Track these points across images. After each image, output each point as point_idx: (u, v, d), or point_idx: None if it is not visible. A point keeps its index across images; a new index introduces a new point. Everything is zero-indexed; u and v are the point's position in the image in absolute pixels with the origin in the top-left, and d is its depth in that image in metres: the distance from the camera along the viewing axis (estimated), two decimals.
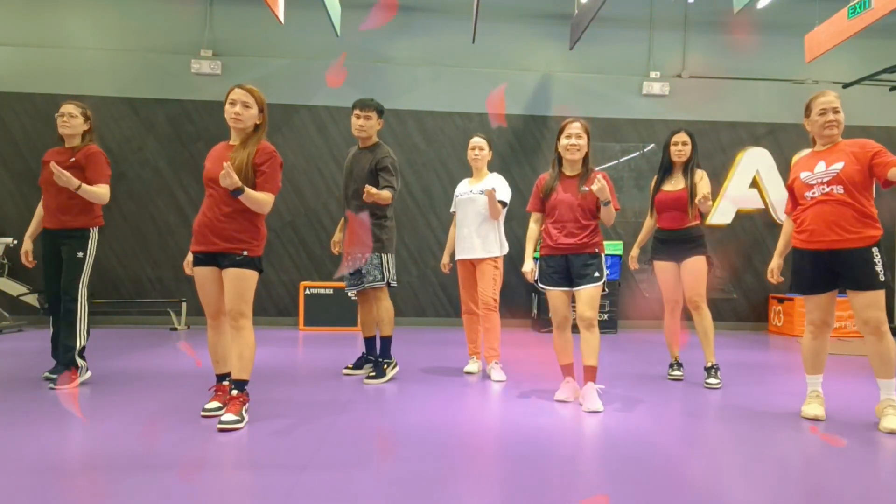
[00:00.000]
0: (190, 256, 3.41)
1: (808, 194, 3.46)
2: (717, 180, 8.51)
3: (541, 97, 8.51)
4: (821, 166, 3.44)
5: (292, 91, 8.13)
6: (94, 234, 4.22)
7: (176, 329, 7.29)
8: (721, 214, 8.53)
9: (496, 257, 4.64)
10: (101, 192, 4.13)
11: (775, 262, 3.81)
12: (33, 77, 7.88)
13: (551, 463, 2.66)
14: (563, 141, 3.83)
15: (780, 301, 8.33)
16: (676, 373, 4.65)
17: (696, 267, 4.48)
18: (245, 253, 3.25)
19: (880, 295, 3.31)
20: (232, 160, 3.23)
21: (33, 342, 6.03)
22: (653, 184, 4.72)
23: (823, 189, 3.39)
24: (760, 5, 7.60)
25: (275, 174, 3.31)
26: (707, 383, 4.41)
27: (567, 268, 3.82)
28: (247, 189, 3.17)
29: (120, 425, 3.10)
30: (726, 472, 2.59)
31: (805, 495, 2.33)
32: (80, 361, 4.12)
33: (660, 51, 8.64)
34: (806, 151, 3.71)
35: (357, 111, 4.41)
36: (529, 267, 3.95)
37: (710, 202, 4.32)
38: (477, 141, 4.80)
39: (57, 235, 4.16)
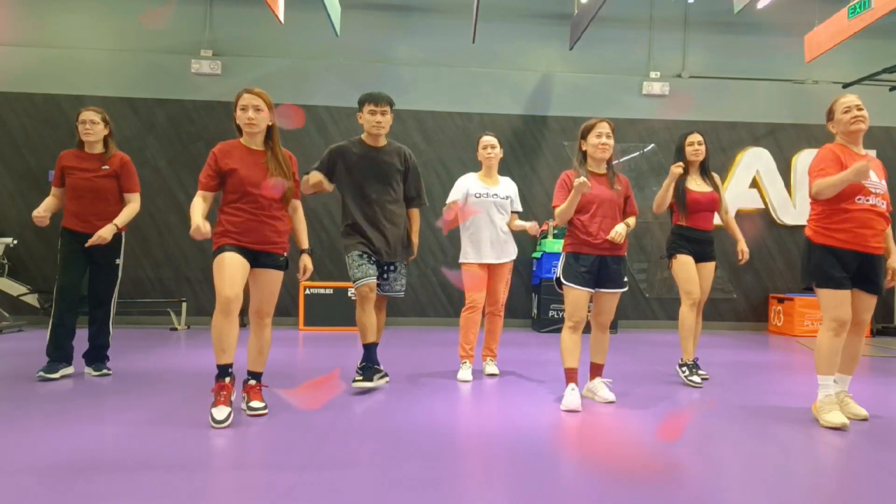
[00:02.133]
0: (205, 227, 3.17)
1: (863, 199, 3.44)
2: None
3: (540, 97, 8.51)
4: (874, 176, 3.50)
5: (292, 91, 8.13)
6: (124, 239, 4.49)
7: (176, 329, 7.29)
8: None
9: (513, 260, 4.75)
10: (136, 206, 4.43)
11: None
12: (33, 77, 7.88)
13: (552, 464, 2.66)
14: (594, 140, 3.83)
15: (780, 301, 8.33)
16: (696, 378, 4.46)
17: (711, 271, 4.65)
18: (285, 255, 3.48)
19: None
20: (272, 169, 3.37)
21: (33, 342, 6.03)
22: (671, 186, 4.51)
23: (877, 201, 3.47)
24: (760, 5, 7.60)
25: (296, 180, 3.57)
26: (691, 380, 4.44)
27: (599, 269, 3.80)
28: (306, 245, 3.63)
29: (120, 425, 3.10)
30: (727, 471, 2.59)
31: (805, 494, 2.33)
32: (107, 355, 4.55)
33: (660, 51, 8.64)
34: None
35: (372, 106, 4.10)
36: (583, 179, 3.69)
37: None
38: (490, 139, 4.72)
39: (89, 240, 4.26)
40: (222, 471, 2.47)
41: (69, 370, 4.36)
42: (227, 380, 3.25)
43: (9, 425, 3.06)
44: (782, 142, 8.62)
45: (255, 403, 3.38)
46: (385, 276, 4.23)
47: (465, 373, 4.54)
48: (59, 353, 4.29)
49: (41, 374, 4.19)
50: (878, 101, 8.57)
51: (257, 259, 3.37)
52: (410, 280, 8.19)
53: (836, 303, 3.41)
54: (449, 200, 4.78)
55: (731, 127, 8.64)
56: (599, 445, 2.94)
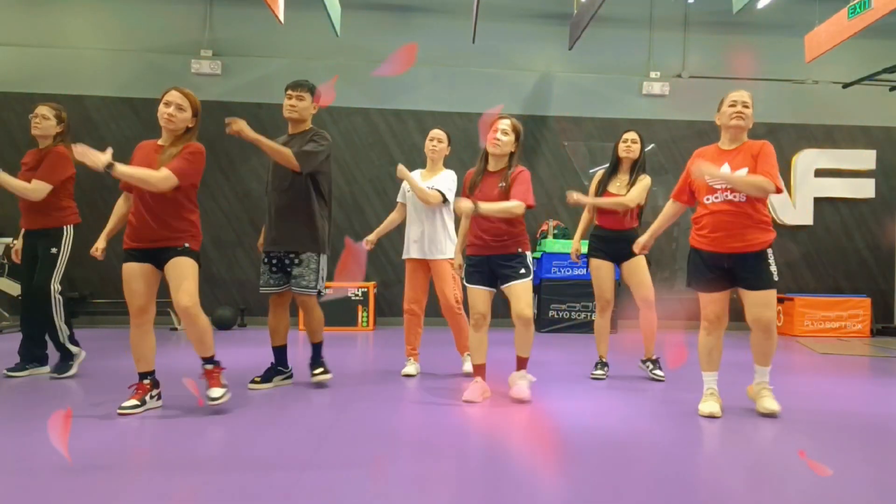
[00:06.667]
0: (101, 243, 3.57)
1: (711, 198, 3.46)
2: None
3: (540, 97, 8.51)
4: (726, 169, 3.44)
5: None
6: (68, 231, 4.28)
7: (176, 329, 7.28)
8: None
9: (451, 258, 4.47)
10: (24, 185, 4.09)
11: (645, 238, 3.91)
12: (33, 77, 7.88)
13: (549, 464, 2.66)
14: (490, 135, 3.80)
15: (780, 301, 8.33)
16: (599, 372, 4.65)
17: (640, 267, 4.57)
18: (187, 245, 3.37)
19: (772, 294, 3.48)
20: (160, 162, 3.30)
21: None
22: (597, 179, 4.72)
23: (726, 196, 3.41)
24: (760, 5, 7.60)
25: (188, 162, 3.34)
26: (654, 374, 4.59)
27: (490, 269, 3.80)
28: (118, 165, 3.11)
29: (119, 425, 3.10)
30: (726, 471, 2.59)
31: (804, 493, 2.33)
32: (73, 349, 4.29)
33: (660, 51, 8.64)
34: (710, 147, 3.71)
35: (289, 91, 3.99)
36: (459, 262, 4.00)
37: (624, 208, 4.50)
38: (436, 133, 4.68)
39: (33, 235, 4.26)
40: (222, 471, 2.47)
41: (41, 370, 4.36)
42: (146, 381, 3.41)
43: (8, 425, 3.06)
44: (782, 142, 8.60)
45: (214, 392, 3.32)
46: (289, 269, 4.00)
47: (408, 368, 4.62)
48: (27, 355, 4.32)
49: (6, 372, 4.23)
50: (878, 101, 8.57)
51: (157, 257, 3.34)
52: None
53: (703, 303, 3.62)
54: (399, 200, 4.82)
55: None
56: (600, 446, 2.94)
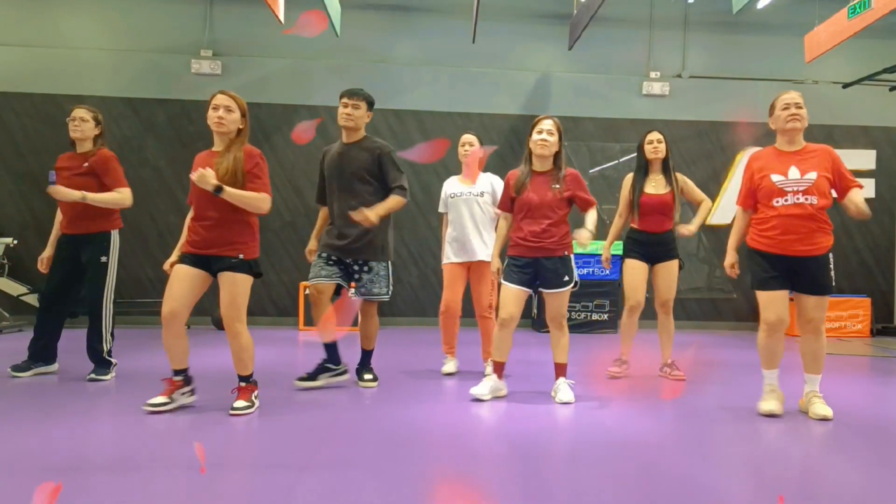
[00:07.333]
0: (174, 257, 3.45)
1: (780, 201, 3.44)
2: (717, 180, 8.51)
3: (540, 97, 8.51)
4: (794, 172, 3.44)
5: (292, 91, 8.13)
6: (115, 237, 4.28)
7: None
8: (721, 214, 8.52)
9: (489, 261, 4.53)
10: (115, 197, 4.19)
11: (732, 257, 3.82)
12: (33, 77, 7.88)
13: (551, 463, 2.66)
14: (535, 136, 3.84)
15: None
16: (615, 369, 4.69)
17: (672, 271, 4.63)
18: (241, 256, 3.31)
19: (828, 298, 3.50)
20: (218, 165, 3.27)
21: None
22: (628, 185, 4.67)
23: (798, 199, 3.40)
24: (760, 5, 7.60)
25: (265, 177, 3.40)
26: (675, 375, 4.60)
27: (536, 270, 3.80)
28: (226, 187, 3.20)
29: (120, 425, 3.10)
30: (726, 471, 2.59)
31: (805, 493, 2.33)
32: (111, 360, 4.32)
33: (660, 51, 8.64)
34: (755, 149, 3.73)
35: (345, 100, 4.09)
36: (497, 265, 3.99)
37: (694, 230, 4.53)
38: (468, 137, 4.73)
39: (77, 241, 4.20)
40: (222, 471, 2.47)
41: (48, 368, 4.40)
42: (177, 378, 3.42)
43: (8, 425, 3.06)
44: None
45: (238, 403, 3.38)
46: (357, 276, 4.06)
47: (448, 366, 4.68)
48: (35, 354, 4.34)
49: (12, 371, 4.25)
50: (878, 101, 8.57)
51: (210, 265, 3.33)
52: (410, 280, 8.20)
53: (763, 304, 3.55)
54: (441, 210, 4.87)
55: (731, 127, 8.63)
56: (598, 445, 2.94)
